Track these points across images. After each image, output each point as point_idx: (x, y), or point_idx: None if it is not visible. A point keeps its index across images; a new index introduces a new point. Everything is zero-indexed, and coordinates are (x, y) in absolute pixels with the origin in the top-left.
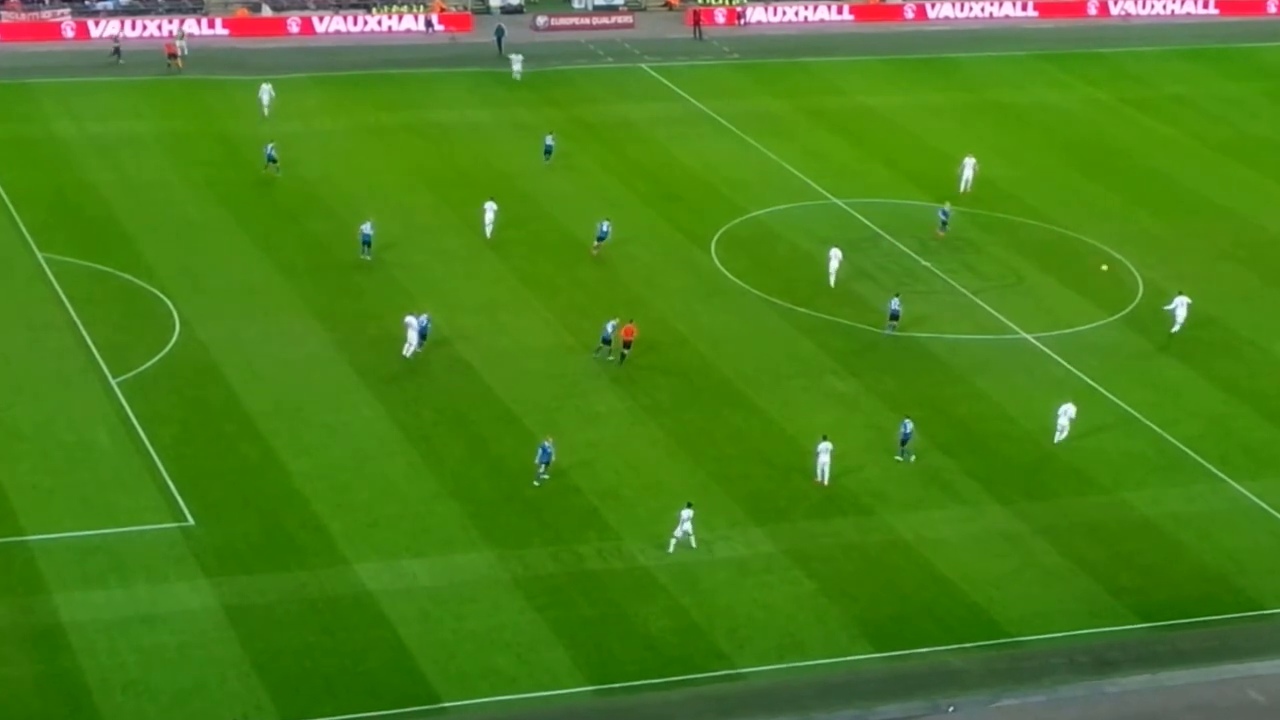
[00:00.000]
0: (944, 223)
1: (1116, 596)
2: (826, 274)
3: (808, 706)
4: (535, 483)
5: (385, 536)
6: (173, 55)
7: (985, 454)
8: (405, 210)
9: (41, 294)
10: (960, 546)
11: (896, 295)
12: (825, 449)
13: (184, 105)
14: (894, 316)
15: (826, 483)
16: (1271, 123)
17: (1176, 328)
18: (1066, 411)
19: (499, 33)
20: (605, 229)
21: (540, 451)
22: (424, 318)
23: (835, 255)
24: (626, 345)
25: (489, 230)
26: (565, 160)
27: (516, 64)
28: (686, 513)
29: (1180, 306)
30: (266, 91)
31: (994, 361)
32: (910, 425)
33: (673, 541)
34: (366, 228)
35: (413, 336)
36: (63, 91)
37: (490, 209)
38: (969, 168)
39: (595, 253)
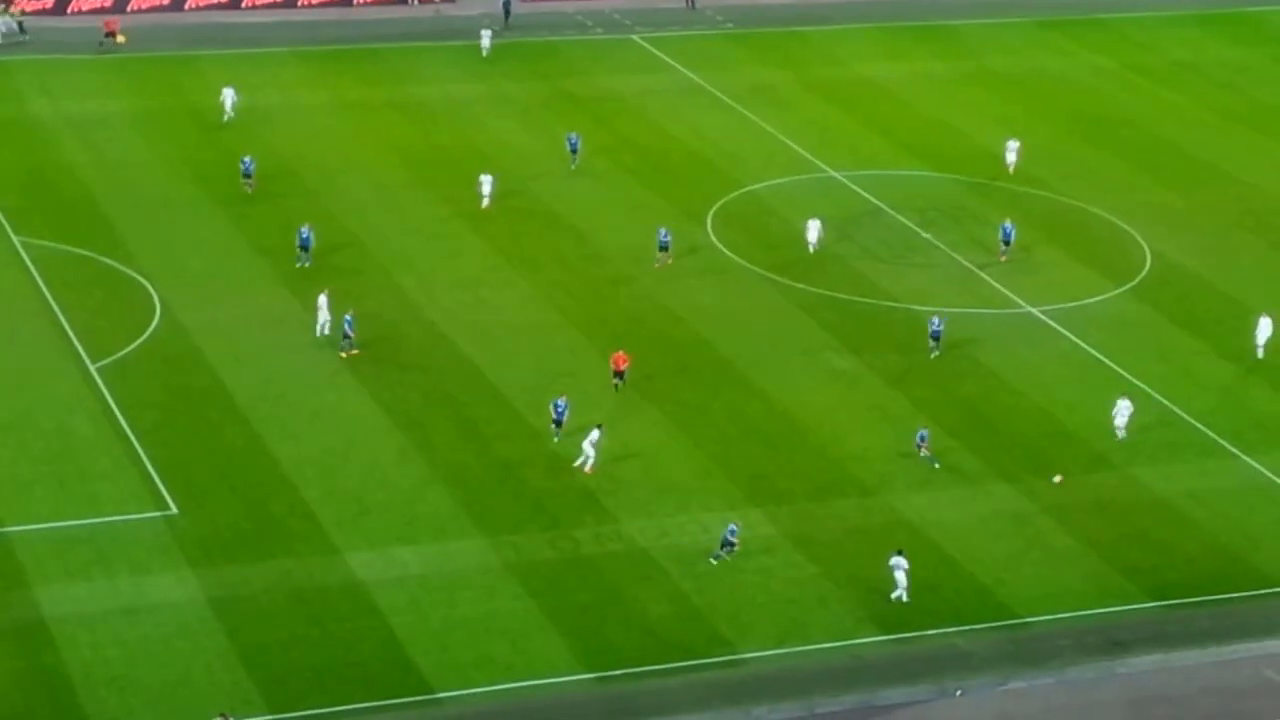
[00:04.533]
0: (1006, 241)
1: (1126, 576)
2: (805, 244)
3: (812, 692)
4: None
5: (375, 524)
6: (111, 33)
7: (991, 432)
8: (384, 187)
9: (17, 279)
10: (966, 527)
11: (937, 315)
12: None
13: (154, 83)
14: (935, 337)
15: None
16: None
17: (1261, 351)
18: None
19: (506, 2)
20: (666, 237)
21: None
22: (348, 316)
23: (814, 225)
24: (619, 374)
25: (486, 201)
26: (552, 135)
27: (485, 39)
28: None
29: (1263, 327)
30: (229, 95)
31: (999, 336)
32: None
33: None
34: (305, 231)
35: (324, 316)
36: (39, 69)
37: (487, 180)
38: (1013, 151)
39: (659, 265)
